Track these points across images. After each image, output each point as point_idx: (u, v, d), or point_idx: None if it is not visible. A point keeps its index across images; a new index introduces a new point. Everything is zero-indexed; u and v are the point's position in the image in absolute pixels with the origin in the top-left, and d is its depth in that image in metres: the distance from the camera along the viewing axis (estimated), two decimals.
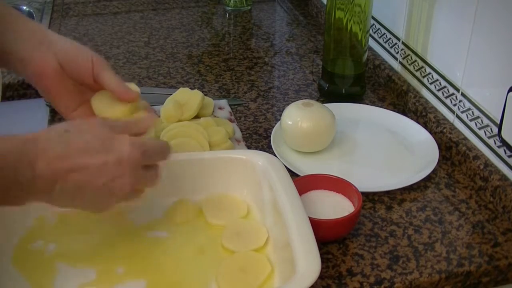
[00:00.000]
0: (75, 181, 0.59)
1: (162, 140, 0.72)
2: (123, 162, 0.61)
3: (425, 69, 1.03)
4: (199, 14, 1.46)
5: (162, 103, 0.96)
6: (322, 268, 0.67)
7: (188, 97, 0.94)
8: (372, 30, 1.20)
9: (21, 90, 1.12)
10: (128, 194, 0.63)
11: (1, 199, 0.58)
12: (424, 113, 1.00)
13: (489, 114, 0.87)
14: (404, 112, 1.04)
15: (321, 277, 0.70)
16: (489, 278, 0.74)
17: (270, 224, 0.73)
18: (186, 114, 0.93)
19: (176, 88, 1.00)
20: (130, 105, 0.72)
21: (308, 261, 0.61)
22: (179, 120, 0.92)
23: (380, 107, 1.05)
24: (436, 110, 1.00)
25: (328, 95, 1.08)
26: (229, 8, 1.48)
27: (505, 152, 0.84)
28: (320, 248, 0.63)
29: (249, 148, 0.94)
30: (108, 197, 0.62)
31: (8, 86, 1.11)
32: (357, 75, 1.07)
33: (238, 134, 0.96)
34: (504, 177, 0.84)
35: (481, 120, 0.89)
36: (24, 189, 0.58)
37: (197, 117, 0.95)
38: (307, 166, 0.90)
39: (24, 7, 1.48)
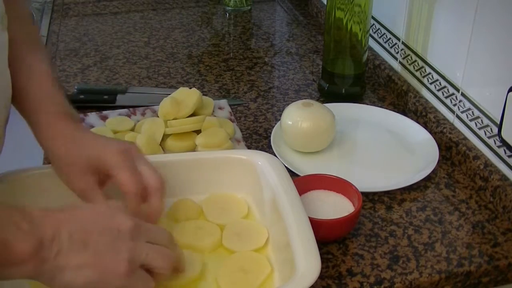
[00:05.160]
0: (78, 225, 0.56)
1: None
2: (116, 208, 0.60)
3: (425, 69, 1.03)
4: (199, 14, 1.46)
5: None
6: (322, 268, 0.67)
7: (185, 95, 0.94)
8: (372, 30, 1.20)
9: None
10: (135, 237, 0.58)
11: None
12: (424, 113, 1.00)
13: (489, 114, 0.87)
14: (404, 112, 1.04)
15: (321, 277, 0.70)
16: (489, 278, 0.74)
17: (270, 224, 0.73)
18: (182, 112, 0.92)
19: (176, 88, 1.00)
20: None
21: (308, 261, 0.61)
22: (175, 118, 0.92)
23: (380, 107, 1.05)
24: (436, 110, 1.00)
25: (328, 95, 1.08)
26: (229, 8, 1.48)
27: (505, 152, 0.84)
28: (320, 248, 0.63)
29: (249, 148, 0.94)
30: (116, 240, 0.56)
31: None
32: (357, 75, 1.07)
33: (238, 134, 0.96)
34: (504, 177, 0.84)
35: (481, 120, 0.89)
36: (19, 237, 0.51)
37: (193, 115, 0.94)
38: (307, 166, 0.90)
39: None
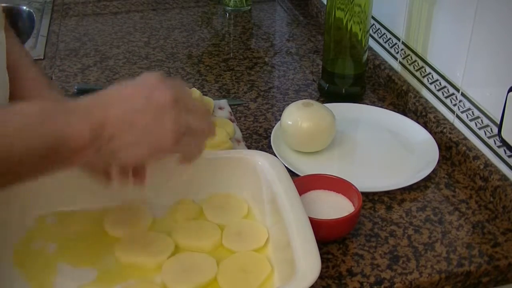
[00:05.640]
0: (122, 108, 0.59)
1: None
2: (153, 82, 0.61)
3: (425, 69, 1.03)
4: (199, 14, 1.46)
5: None
6: (322, 268, 0.67)
7: None
8: (372, 30, 1.20)
9: None
10: (180, 120, 0.60)
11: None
12: (424, 113, 1.00)
13: (489, 114, 0.87)
14: (404, 112, 1.04)
15: (321, 277, 0.70)
16: (489, 278, 0.74)
17: (270, 224, 0.73)
18: None
19: None
20: None
21: (308, 261, 0.61)
22: None
23: (380, 107, 1.05)
24: (436, 110, 1.00)
25: (328, 95, 1.08)
26: (229, 8, 1.48)
27: (505, 152, 0.84)
28: (320, 248, 0.63)
29: (249, 148, 0.94)
30: (158, 114, 0.59)
31: None
32: (357, 75, 1.07)
33: (238, 134, 0.96)
34: (504, 177, 0.84)
35: (481, 120, 0.89)
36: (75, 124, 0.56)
37: None
38: (307, 166, 0.90)
39: (24, 7, 1.48)
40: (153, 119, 0.59)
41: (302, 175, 0.84)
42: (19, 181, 0.58)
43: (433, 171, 0.88)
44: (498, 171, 0.85)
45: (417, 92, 1.05)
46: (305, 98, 1.05)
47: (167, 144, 0.60)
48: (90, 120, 0.57)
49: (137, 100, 0.60)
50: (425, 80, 1.04)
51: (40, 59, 1.22)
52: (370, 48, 1.20)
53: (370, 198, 0.84)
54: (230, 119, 0.99)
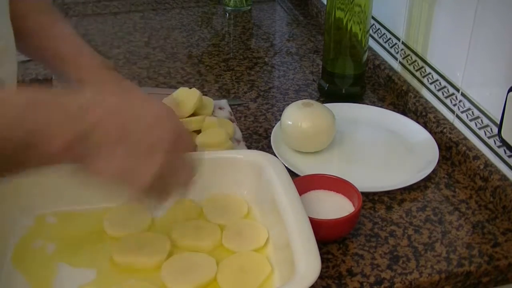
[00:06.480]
0: (115, 123, 0.55)
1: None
2: (163, 115, 0.58)
3: (425, 69, 1.03)
4: (199, 14, 1.46)
5: None
6: (322, 268, 0.66)
7: (185, 95, 0.94)
8: (372, 30, 1.20)
9: None
10: (168, 160, 0.57)
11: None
12: (424, 113, 1.00)
13: (489, 114, 0.87)
14: (404, 112, 1.04)
15: (321, 277, 0.70)
16: (489, 278, 0.74)
17: (270, 224, 0.73)
18: (182, 112, 0.93)
19: (176, 88, 1.00)
20: None
21: (308, 261, 0.61)
22: None
23: (380, 107, 1.05)
24: (436, 110, 1.00)
25: (328, 95, 1.08)
26: (229, 8, 1.48)
27: (505, 152, 0.84)
28: (320, 248, 0.63)
29: (249, 148, 0.94)
30: (148, 154, 0.56)
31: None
32: (357, 75, 1.07)
33: (238, 134, 0.96)
34: (504, 177, 0.84)
35: (481, 120, 0.89)
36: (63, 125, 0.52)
37: (193, 115, 0.94)
38: (307, 166, 0.90)
39: None
40: (144, 152, 0.55)
41: (302, 175, 0.84)
42: None
43: (433, 171, 0.88)
44: (498, 171, 0.85)
45: (417, 92, 1.05)
46: (305, 98, 1.05)
47: (140, 182, 0.56)
48: (77, 126, 0.53)
49: (140, 122, 0.56)
50: (425, 80, 1.04)
51: None
52: (370, 48, 1.20)
53: (370, 198, 0.84)
54: (230, 119, 0.99)
